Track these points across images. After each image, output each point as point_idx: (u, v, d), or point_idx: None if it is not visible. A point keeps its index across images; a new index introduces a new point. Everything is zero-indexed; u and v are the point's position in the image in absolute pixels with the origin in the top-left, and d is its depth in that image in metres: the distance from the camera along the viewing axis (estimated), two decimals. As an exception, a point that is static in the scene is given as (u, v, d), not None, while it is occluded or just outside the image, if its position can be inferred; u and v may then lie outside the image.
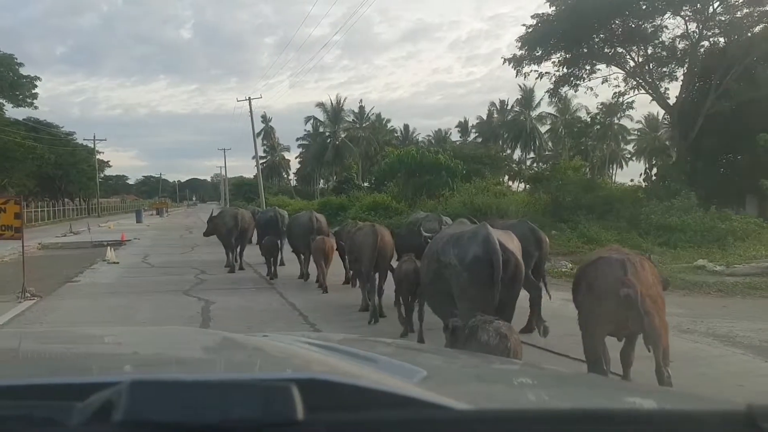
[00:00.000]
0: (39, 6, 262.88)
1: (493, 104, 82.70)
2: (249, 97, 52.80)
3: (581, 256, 16.62)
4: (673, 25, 27.70)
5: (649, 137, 74.60)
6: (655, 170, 31.61)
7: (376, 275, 10.10)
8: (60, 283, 14.25)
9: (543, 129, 76.85)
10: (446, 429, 1.06)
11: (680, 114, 27.71)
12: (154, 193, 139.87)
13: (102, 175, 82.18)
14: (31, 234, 33.82)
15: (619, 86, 30.03)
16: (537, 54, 28.54)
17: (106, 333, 3.33)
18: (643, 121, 72.80)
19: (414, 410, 1.08)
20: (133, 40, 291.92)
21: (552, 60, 29.02)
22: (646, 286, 4.71)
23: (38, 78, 52.93)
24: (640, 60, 28.92)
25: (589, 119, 35.08)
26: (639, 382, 4.35)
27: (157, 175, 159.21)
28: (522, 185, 60.58)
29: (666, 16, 27.29)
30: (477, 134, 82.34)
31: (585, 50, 28.82)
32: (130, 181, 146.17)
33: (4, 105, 51.32)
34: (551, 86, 30.40)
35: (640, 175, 35.85)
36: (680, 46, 28.04)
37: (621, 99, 29.99)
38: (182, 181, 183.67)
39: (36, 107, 53.60)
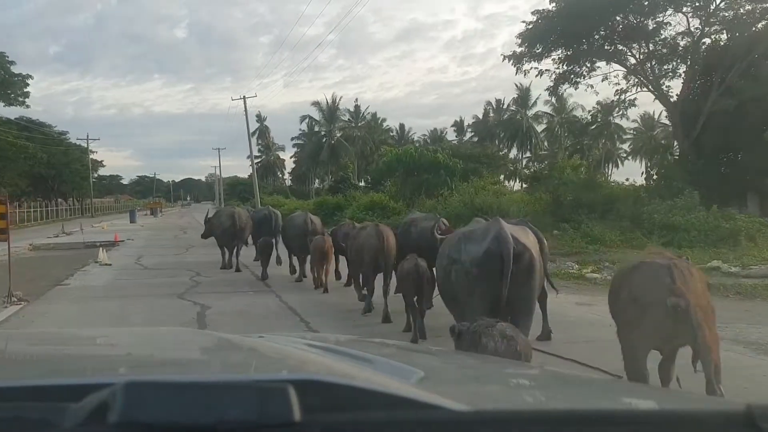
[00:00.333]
0: (32, 5, 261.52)
1: (489, 103, 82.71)
2: (244, 96, 52.92)
3: (586, 257, 16.32)
4: (675, 22, 27.41)
5: (645, 136, 74.60)
6: (656, 169, 31.17)
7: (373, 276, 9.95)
8: (49, 286, 13.69)
9: (539, 128, 76.78)
10: (443, 430, 1.04)
11: (682, 112, 27.34)
12: (149, 193, 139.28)
13: (96, 175, 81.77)
14: (23, 234, 33.39)
15: (619, 84, 29.77)
16: (537, 51, 28.16)
17: (100, 334, 3.33)
18: (638, 120, 72.70)
19: (411, 411, 1.07)
20: (127, 39, 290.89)
21: (552, 57, 28.68)
22: (696, 295, 4.24)
23: (30, 76, 52.43)
24: (641, 57, 28.58)
25: (590, 117, 34.72)
26: (638, 383, 4.02)
27: (151, 175, 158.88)
28: (519, 184, 60.69)
29: (668, 12, 26.95)
30: (473, 133, 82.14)
31: (585, 47, 28.47)
32: (124, 181, 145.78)
33: (-5, 103, 50.81)
34: (551, 84, 30.08)
35: (642, 174, 35.52)
36: (682, 43, 27.69)
37: (623, 96, 29.54)
38: (176, 181, 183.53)
39: (28, 106, 53.11)
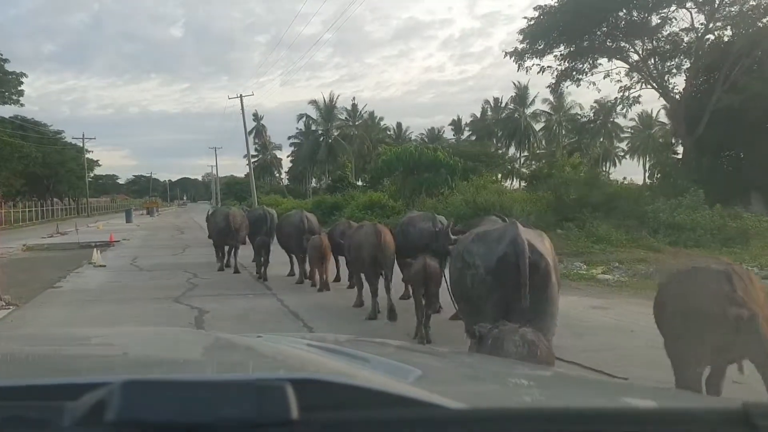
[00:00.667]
0: (28, 3, 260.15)
1: (487, 102, 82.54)
2: (240, 95, 52.75)
3: (593, 257, 15.90)
4: (678, 18, 27.06)
5: (643, 135, 74.46)
6: (657, 166, 30.84)
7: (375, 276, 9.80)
8: (41, 289, 13.16)
9: (537, 127, 76.59)
10: (441, 428, 1.04)
11: (686, 109, 26.99)
12: (145, 192, 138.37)
13: (92, 175, 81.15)
14: (18, 234, 33.07)
15: (620, 81, 29.43)
16: (539, 47, 27.80)
17: (98, 334, 3.33)
18: (636, 118, 72.50)
19: (408, 409, 1.06)
20: (123, 38, 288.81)
21: (554, 54, 28.31)
22: (759, 305, 3.79)
23: (24, 74, 51.80)
24: (644, 54, 28.24)
25: (592, 114, 34.38)
26: (635, 383, 3.92)
27: (147, 175, 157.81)
28: (516, 183, 60.44)
29: (672, 8, 26.59)
30: (471, 132, 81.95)
31: (587, 44, 28.12)
32: (121, 181, 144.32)
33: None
34: (553, 81, 29.69)
35: (647, 172, 35.22)
36: (686, 39, 27.32)
37: (627, 93, 29.20)
38: (173, 180, 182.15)
39: (22, 104, 52.47)
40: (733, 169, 27.19)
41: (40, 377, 1.43)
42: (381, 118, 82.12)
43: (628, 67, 28.98)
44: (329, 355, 1.85)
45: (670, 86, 28.45)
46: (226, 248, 16.75)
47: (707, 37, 27.19)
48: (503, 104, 79.27)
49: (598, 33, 27.90)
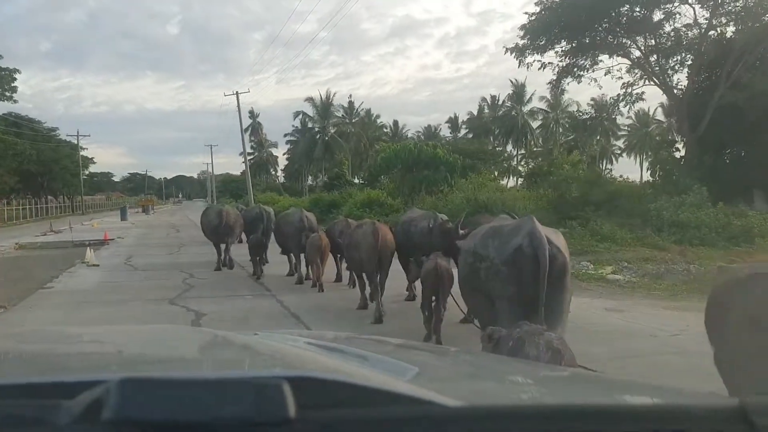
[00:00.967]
0: (23, 1, 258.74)
1: (484, 99, 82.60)
2: (237, 92, 52.49)
3: (598, 256, 15.53)
4: (681, 13, 26.66)
5: (640, 133, 74.33)
6: (659, 164, 30.51)
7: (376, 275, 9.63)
8: (31, 290, 12.70)
9: (534, 124, 76.37)
10: (437, 425, 1.04)
11: (689, 105, 26.64)
12: (140, 190, 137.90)
13: (87, 172, 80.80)
14: (11, 233, 32.64)
15: (622, 77, 29.05)
16: (540, 43, 27.37)
17: (94, 332, 3.19)
18: (633, 116, 72.37)
19: (405, 407, 1.06)
20: (119, 36, 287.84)
21: (555, 50, 27.90)
22: None
23: (17, 71, 51.36)
24: (646, 50, 27.88)
25: (593, 111, 34.06)
26: (632, 379, 3.79)
27: (142, 172, 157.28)
28: (513, 181, 60.16)
29: (674, 4, 26.23)
30: (467, 130, 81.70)
31: (587, 40, 27.74)
32: (116, 178, 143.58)
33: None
34: (554, 77, 29.28)
35: (643, 170, 35.01)
36: (690, 34, 26.97)
37: (630, 90, 28.82)
38: (168, 178, 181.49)
39: (16, 101, 52.25)
40: (736, 166, 26.89)
41: (36, 375, 1.42)
42: (377, 116, 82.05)
43: (629, 63, 28.61)
44: (327, 352, 1.85)
45: (673, 83, 28.07)
46: (222, 247, 16.40)
47: (710, 33, 26.82)
48: (500, 102, 79.13)
49: (600, 29, 27.53)
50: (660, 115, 73.28)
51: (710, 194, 21.45)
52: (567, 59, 28.41)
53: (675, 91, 28.02)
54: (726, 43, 26.11)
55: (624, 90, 28.79)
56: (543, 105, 75.16)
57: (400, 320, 9.19)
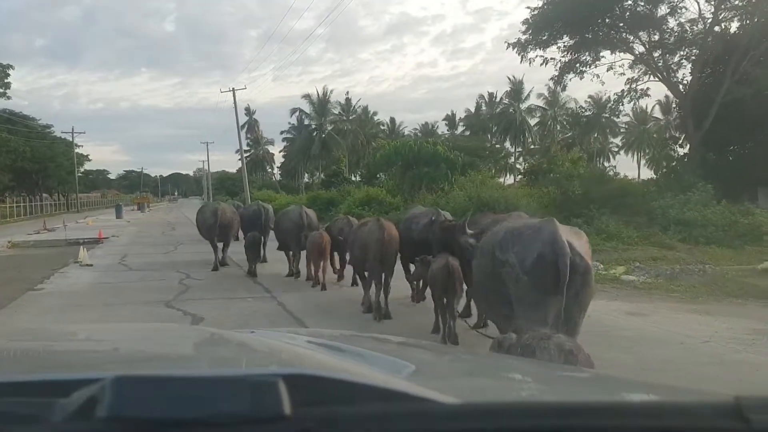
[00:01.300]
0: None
1: (481, 97, 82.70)
2: (233, 88, 52.21)
3: (606, 255, 15.08)
4: (685, 7, 26.29)
5: (637, 130, 74.14)
6: (664, 162, 30.17)
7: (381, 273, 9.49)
8: (21, 291, 12.15)
9: (532, 122, 76.08)
10: (433, 422, 1.04)
11: (694, 101, 26.25)
12: (136, 187, 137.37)
13: (82, 170, 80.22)
14: (5, 231, 32.17)
15: (624, 74, 28.67)
16: (543, 38, 26.93)
17: (89, 330, 3.31)
18: (630, 114, 72.21)
19: (401, 404, 1.07)
20: (115, 32, 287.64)
21: (558, 45, 27.48)
22: None
23: (11, 66, 50.73)
24: (649, 46, 27.49)
25: (594, 110, 33.71)
26: (628, 377, 3.49)
27: (138, 170, 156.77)
28: (511, 178, 59.79)
29: (679, -1, 25.87)
30: (465, 127, 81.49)
31: (589, 36, 27.35)
32: (112, 176, 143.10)
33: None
34: (556, 73, 28.86)
35: (641, 168, 34.83)
36: (694, 29, 26.56)
37: (635, 86, 28.41)
38: (164, 175, 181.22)
39: (9, 97, 51.57)
40: (740, 163, 26.62)
41: (31, 373, 1.42)
42: (375, 113, 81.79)
43: (632, 59, 28.21)
44: (323, 350, 1.85)
45: (678, 79, 27.68)
46: (220, 245, 16.06)
47: (714, 28, 26.44)
48: (498, 99, 78.91)
49: (602, 24, 27.15)
50: (658, 113, 73.32)
51: (714, 192, 21.22)
52: (569, 55, 28.02)
53: (680, 87, 27.60)
54: (731, 38, 25.76)
55: (628, 86, 28.38)
56: (541, 102, 75.11)
57: (403, 320, 9.03)
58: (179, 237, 26.78)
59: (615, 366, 5.82)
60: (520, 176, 47.25)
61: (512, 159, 72.00)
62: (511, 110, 75.74)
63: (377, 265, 9.42)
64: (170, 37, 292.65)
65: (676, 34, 26.98)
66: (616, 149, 79.15)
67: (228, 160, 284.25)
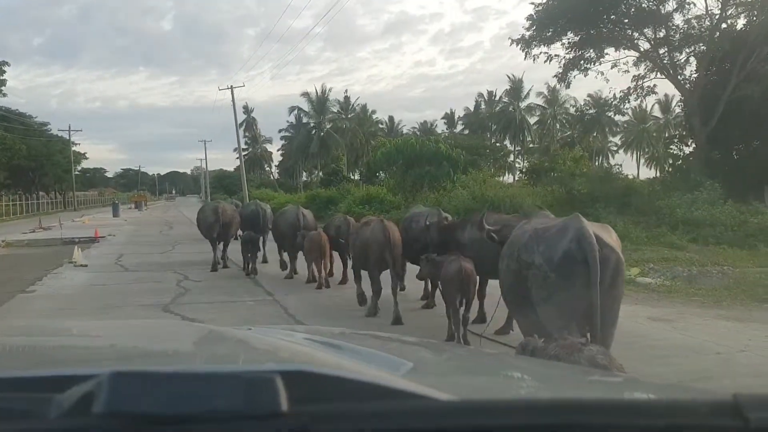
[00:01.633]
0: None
1: (480, 95, 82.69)
2: (231, 86, 51.85)
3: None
4: (694, 3, 25.87)
5: (636, 129, 73.95)
6: (670, 160, 29.77)
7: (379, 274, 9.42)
8: (11, 294, 11.62)
9: (532, 120, 75.88)
10: (430, 420, 1.03)
11: (700, 99, 25.84)
12: (133, 186, 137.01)
13: (79, 168, 79.70)
14: (0, 230, 31.45)
15: (629, 71, 28.26)
16: (547, 34, 26.47)
17: (86, 326, 3.35)
18: (629, 113, 71.86)
19: (398, 401, 1.07)
20: (112, 31, 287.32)
21: (562, 42, 27.03)
22: None
23: (6, 63, 50.10)
24: (655, 43, 27.08)
25: (595, 109, 33.35)
26: (626, 375, 3.36)
27: (136, 168, 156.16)
28: (511, 177, 59.47)
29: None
30: (464, 126, 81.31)
31: (593, 32, 26.93)
32: (109, 174, 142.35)
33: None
34: (560, 70, 28.39)
35: (657, 166, 34.64)
36: (704, 25, 26.15)
37: (641, 82, 27.99)
38: (162, 174, 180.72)
39: (5, 94, 50.90)
40: (747, 162, 26.21)
41: (27, 369, 1.42)
42: (374, 111, 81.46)
43: (637, 55, 27.80)
44: (320, 347, 1.84)
45: (684, 76, 27.25)
46: (220, 245, 15.74)
47: (721, 24, 26.05)
48: (497, 97, 78.71)
49: (608, 20, 26.74)
50: (657, 112, 73.08)
51: (721, 191, 20.89)
52: (574, 52, 27.59)
53: (687, 85, 27.18)
54: (738, 35, 25.38)
55: (635, 83, 27.95)
56: (540, 101, 74.91)
57: (408, 321, 8.79)
58: (177, 236, 26.35)
59: (654, 377, 5.41)
60: (521, 175, 46.76)
61: (512, 158, 71.75)
62: (510, 109, 75.62)
63: (378, 267, 9.29)
64: (168, 36, 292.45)
65: (682, 30, 26.57)
66: (615, 148, 79.04)
67: (226, 159, 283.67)
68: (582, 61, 27.98)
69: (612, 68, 28.21)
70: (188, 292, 11.89)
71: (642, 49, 27.56)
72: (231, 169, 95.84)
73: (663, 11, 26.12)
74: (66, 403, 0.94)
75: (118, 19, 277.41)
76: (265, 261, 15.80)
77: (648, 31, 26.93)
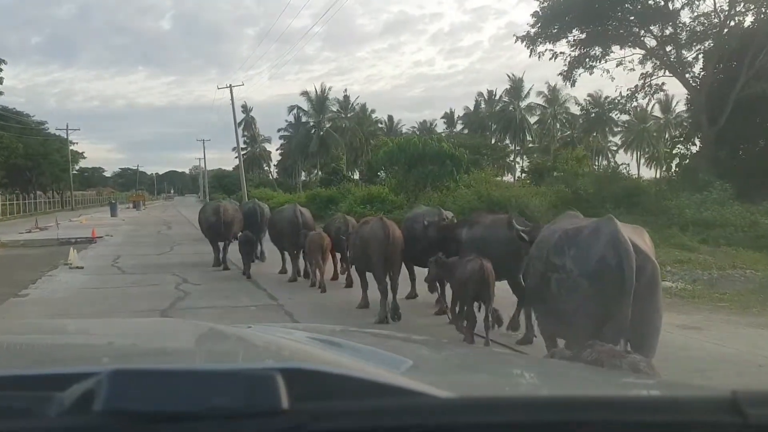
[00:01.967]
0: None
1: (480, 94, 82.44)
2: (230, 85, 51.92)
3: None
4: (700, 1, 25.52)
5: (636, 129, 73.58)
6: (677, 160, 29.40)
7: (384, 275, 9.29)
8: (3, 298, 11.14)
9: (532, 120, 75.53)
10: (430, 417, 1.02)
11: (708, 97, 25.45)
12: (132, 185, 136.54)
13: (77, 167, 79.25)
14: (-3, 229, 30.99)
15: (634, 69, 27.91)
16: (552, 31, 26.09)
17: (86, 324, 3.32)
18: (630, 112, 71.39)
19: (398, 399, 1.06)
20: (111, 30, 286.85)
21: (568, 39, 26.65)
22: None
23: (3, 61, 49.42)
24: (662, 40, 26.71)
25: (596, 108, 33.02)
26: (626, 373, 3.21)
27: (134, 168, 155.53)
28: (511, 177, 59.12)
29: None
30: (463, 125, 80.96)
31: (599, 29, 26.58)
32: (107, 174, 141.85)
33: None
34: (565, 68, 28.02)
35: (663, 166, 34.51)
36: (710, 22, 25.77)
37: (649, 80, 27.63)
38: (160, 173, 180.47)
39: (1, 93, 50.17)
40: (755, 161, 25.85)
41: (27, 368, 1.43)
42: (373, 111, 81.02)
43: (643, 53, 27.43)
44: (320, 345, 1.83)
45: (692, 74, 26.87)
46: (220, 245, 15.51)
47: (729, 22, 25.69)
48: (497, 97, 78.31)
49: (614, 17, 26.38)
50: (657, 111, 72.68)
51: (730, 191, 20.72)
52: (579, 49, 27.21)
53: (694, 83, 26.79)
54: (746, 32, 25.03)
55: (642, 80, 27.58)
56: (540, 100, 74.54)
57: (408, 320, 8.78)
58: (175, 237, 25.87)
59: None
60: (523, 174, 46.38)
61: (512, 157, 71.41)
62: (510, 108, 75.23)
63: (380, 265, 9.13)
64: (167, 35, 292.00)
65: (689, 28, 26.21)
66: (615, 148, 78.68)
67: (225, 158, 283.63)
68: (587, 59, 27.64)
69: (617, 66, 27.94)
70: (187, 296, 11.42)
71: (648, 47, 27.20)
72: (230, 168, 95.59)
73: (670, 8, 25.78)
74: (66, 401, 0.93)
75: (117, 18, 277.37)
76: (261, 257, 15.56)
77: (654, 29, 26.59)
